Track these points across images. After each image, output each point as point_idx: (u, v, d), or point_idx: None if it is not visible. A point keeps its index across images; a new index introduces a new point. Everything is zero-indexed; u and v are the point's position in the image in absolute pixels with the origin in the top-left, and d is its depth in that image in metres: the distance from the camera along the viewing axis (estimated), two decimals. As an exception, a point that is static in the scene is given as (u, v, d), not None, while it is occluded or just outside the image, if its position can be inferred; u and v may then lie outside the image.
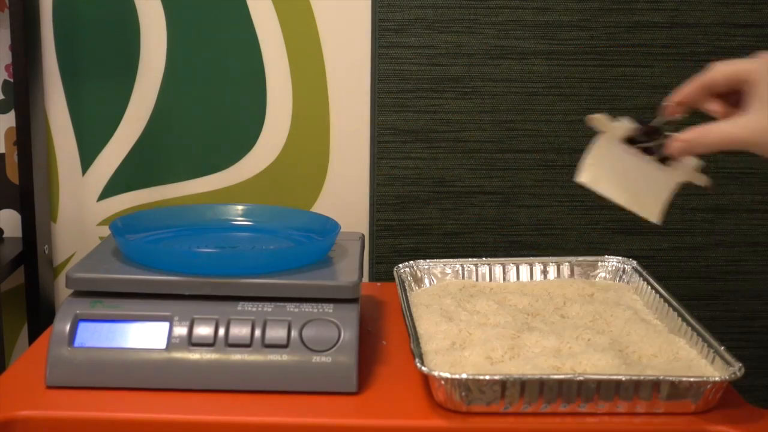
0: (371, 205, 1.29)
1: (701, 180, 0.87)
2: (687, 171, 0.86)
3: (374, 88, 1.26)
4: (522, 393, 0.79)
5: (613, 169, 0.87)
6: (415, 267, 1.09)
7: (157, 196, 1.28)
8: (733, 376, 0.79)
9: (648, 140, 0.85)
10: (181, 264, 0.89)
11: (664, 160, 0.85)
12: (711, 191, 0.85)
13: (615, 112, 1.27)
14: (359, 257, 0.98)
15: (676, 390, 0.79)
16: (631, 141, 0.86)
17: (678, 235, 1.32)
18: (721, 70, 0.80)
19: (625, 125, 0.86)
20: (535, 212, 1.30)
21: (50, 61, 1.24)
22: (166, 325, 0.86)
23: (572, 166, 1.28)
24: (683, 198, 1.27)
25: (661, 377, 0.78)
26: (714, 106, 0.82)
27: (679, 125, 0.82)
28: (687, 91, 0.82)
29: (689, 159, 0.85)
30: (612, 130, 0.87)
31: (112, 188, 1.28)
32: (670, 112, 0.83)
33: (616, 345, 0.87)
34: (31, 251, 1.21)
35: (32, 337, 1.26)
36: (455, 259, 1.11)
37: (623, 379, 0.78)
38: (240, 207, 1.08)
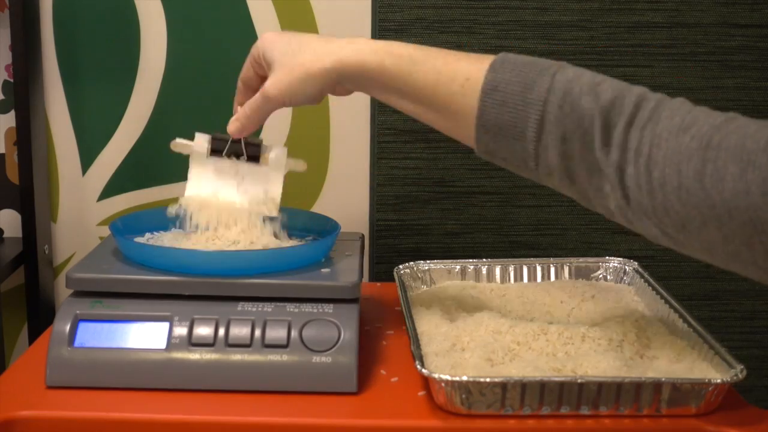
0: (371, 205, 1.29)
1: (298, 166, 0.97)
2: (279, 163, 0.95)
3: (374, 88, 1.26)
4: (523, 395, 0.78)
5: (215, 183, 0.96)
6: (415, 268, 1.09)
7: (157, 196, 1.28)
8: (734, 377, 0.79)
9: (228, 147, 0.95)
10: (181, 264, 0.89)
11: (254, 159, 0.95)
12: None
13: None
14: (359, 257, 0.98)
15: (678, 392, 0.79)
16: (217, 152, 0.96)
17: (678, 236, 1.32)
18: (243, 71, 0.92)
19: (200, 141, 0.96)
20: (535, 212, 1.30)
21: (50, 61, 1.24)
22: (166, 325, 0.86)
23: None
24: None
25: (663, 379, 0.78)
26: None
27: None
28: (236, 104, 0.94)
29: (277, 151, 0.96)
30: (193, 149, 0.97)
31: (112, 188, 1.28)
32: (234, 133, 0.93)
33: (617, 347, 0.86)
34: (31, 251, 1.21)
35: (32, 337, 1.26)
36: (455, 260, 1.11)
37: (625, 381, 0.78)
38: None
